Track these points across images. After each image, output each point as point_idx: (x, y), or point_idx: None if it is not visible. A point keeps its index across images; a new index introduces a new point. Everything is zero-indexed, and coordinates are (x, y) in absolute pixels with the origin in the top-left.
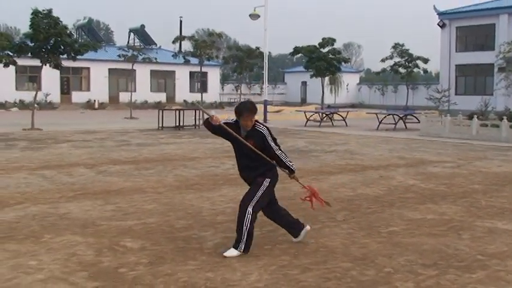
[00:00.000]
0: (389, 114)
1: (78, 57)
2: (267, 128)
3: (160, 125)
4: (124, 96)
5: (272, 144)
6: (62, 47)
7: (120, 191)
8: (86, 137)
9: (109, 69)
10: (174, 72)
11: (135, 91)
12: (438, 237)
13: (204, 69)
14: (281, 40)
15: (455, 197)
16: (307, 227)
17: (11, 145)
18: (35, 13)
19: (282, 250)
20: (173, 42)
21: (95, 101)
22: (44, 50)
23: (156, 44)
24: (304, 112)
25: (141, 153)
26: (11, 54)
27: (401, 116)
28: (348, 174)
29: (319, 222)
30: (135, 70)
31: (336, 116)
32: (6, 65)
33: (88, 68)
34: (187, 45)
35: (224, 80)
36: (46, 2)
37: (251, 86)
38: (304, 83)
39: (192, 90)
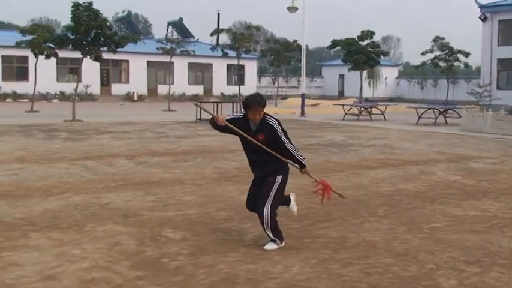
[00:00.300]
0: (429, 109)
1: (117, 49)
2: (278, 121)
3: (198, 117)
4: (162, 89)
5: (283, 138)
6: (102, 40)
7: (160, 182)
8: (126, 129)
9: (148, 62)
10: (211, 65)
11: (173, 83)
12: (481, 234)
13: (241, 62)
14: (318, 33)
15: (498, 194)
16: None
17: (52, 136)
18: (76, 6)
19: (322, 244)
20: (211, 34)
21: (134, 93)
22: (84, 42)
23: (194, 37)
24: (342, 106)
25: (179, 145)
26: (52, 46)
27: (441, 110)
28: (387, 169)
29: (359, 216)
30: (173, 63)
31: (374, 110)
32: (47, 57)
33: (127, 61)
34: (224, 38)
35: (261, 73)
36: None
37: (288, 79)
38: (341, 76)
39: (229, 83)
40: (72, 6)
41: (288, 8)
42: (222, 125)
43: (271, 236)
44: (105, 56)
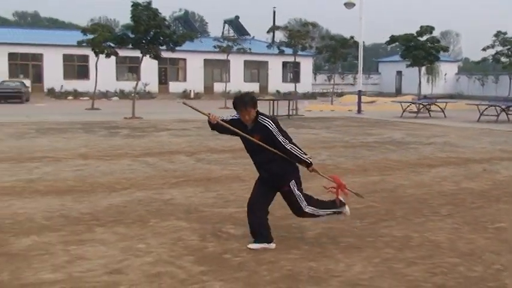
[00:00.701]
0: (491, 106)
1: (176, 48)
2: (273, 121)
3: None
4: (218, 87)
5: (280, 138)
6: (162, 38)
7: (219, 179)
8: (184, 126)
9: (204, 60)
10: (267, 62)
11: (229, 81)
12: None
13: (297, 59)
14: (374, 29)
15: None
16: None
17: (113, 133)
18: (135, 5)
19: (385, 243)
20: (268, 32)
21: (190, 91)
22: (144, 41)
23: (249, 35)
24: (400, 103)
25: (237, 142)
26: (112, 45)
27: (503, 107)
28: (449, 167)
29: (422, 216)
30: (229, 61)
31: (433, 107)
32: (108, 56)
33: (184, 59)
34: (279, 36)
35: (317, 70)
36: None
37: (344, 76)
38: (399, 73)
39: (284, 80)
40: (131, 6)
41: (345, 4)
42: (215, 123)
43: (329, 211)
44: (163, 54)
